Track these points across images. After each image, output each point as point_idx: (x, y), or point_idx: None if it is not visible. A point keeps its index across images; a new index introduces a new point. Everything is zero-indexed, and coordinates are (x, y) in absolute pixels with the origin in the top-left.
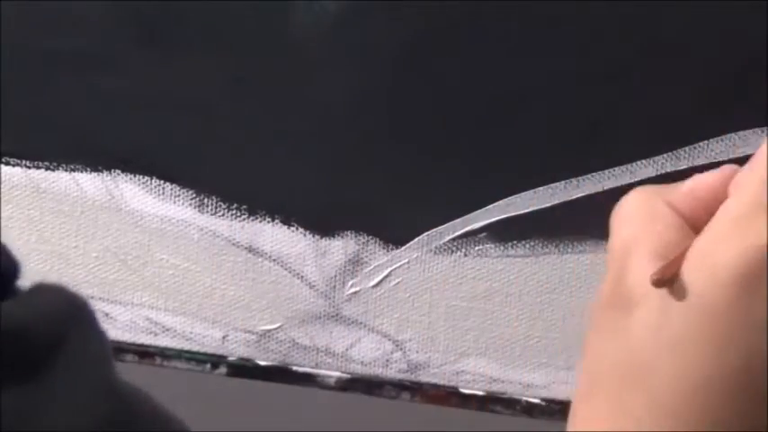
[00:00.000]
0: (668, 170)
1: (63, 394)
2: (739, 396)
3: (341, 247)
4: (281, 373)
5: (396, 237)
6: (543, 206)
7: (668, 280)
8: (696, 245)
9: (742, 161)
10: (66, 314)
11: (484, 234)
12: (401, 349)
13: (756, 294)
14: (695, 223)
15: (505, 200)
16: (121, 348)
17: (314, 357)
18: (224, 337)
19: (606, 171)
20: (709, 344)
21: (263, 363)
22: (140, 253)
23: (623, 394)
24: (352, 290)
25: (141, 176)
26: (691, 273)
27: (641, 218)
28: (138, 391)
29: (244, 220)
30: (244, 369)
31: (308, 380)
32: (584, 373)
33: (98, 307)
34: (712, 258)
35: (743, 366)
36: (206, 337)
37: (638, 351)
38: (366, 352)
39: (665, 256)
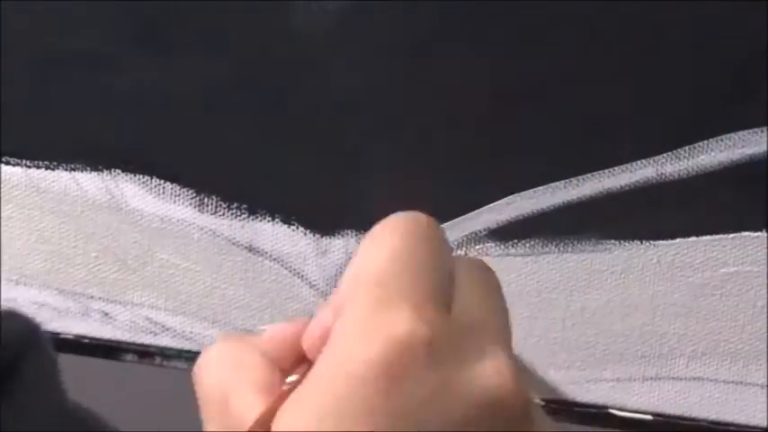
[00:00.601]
0: (668, 170)
1: (21, 414)
2: None
3: (341, 246)
4: None
5: None
6: (543, 206)
7: None
8: (318, 367)
9: (742, 161)
10: (23, 338)
11: (484, 233)
12: None
13: (393, 386)
14: (279, 363)
15: (505, 200)
16: (121, 348)
17: None
18: None
19: (606, 171)
20: None
21: None
22: (140, 252)
23: None
24: None
25: (141, 176)
26: (328, 383)
27: (229, 361)
28: (88, 411)
29: (244, 219)
30: None
31: None
32: None
33: (98, 307)
34: (346, 366)
35: None
36: (206, 337)
37: None
38: None
39: (263, 389)
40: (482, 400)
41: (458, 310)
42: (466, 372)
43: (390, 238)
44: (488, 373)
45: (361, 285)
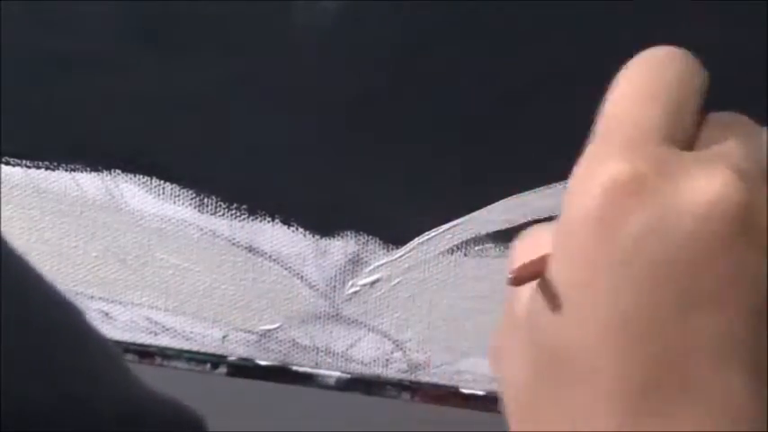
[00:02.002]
0: None
1: None
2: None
3: (341, 246)
4: (281, 373)
5: (396, 236)
6: (544, 206)
7: (528, 278)
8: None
9: None
10: None
11: (484, 234)
12: (401, 349)
13: (605, 231)
14: None
15: (505, 200)
16: (121, 348)
17: (314, 357)
18: (224, 337)
19: None
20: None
21: (263, 363)
22: (140, 253)
23: None
24: (352, 290)
25: (141, 176)
26: (557, 238)
27: None
28: None
29: (244, 219)
30: (244, 369)
31: (308, 380)
32: None
33: (98, 307)
34: (566, 220)
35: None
36: (206, 337)
37: None
38: (366, 352)
39: None
40: (693, 221)
41: (697, 143)
42: (678, 197)
43: (628, 74)
44: (695, 191)
45: (598, 124)
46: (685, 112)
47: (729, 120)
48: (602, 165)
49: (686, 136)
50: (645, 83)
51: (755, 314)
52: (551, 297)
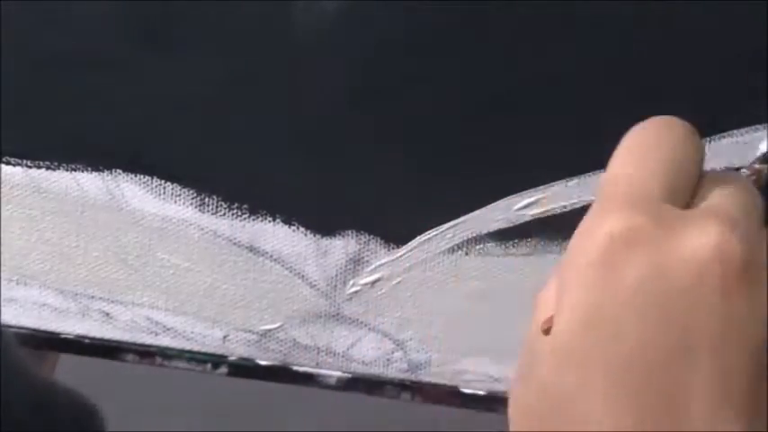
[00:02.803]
0: None
1: None
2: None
3: (342, 246)
4: (281, 373)
5: (397, 236)
6: (545, 206)
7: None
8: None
9: (742, 159)
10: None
11: (485, 233)
12: (402, 349)
13: (607, 273)
14: None
15: (505, 199)
16: (122, 348)
17: (314, 357)
18: (225, 337)
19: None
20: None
21: (263, 362)
22: (141, 252)
23: None
24: (353, 289)
25: (142, 176)
26: (564, 276)
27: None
28: None
29: (245, 219)
30: (244, 369)
31: (308, 379)
32: None
33: (98, 307)
34: (572, 260)
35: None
36: (207, 337)
37: None
38: (367, 351)
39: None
40: (692, 269)
41: (694, 202)
42: (677, 247)
43: (628, 141)
44: (693, 242)
45: (599, 187)
46: (682, 174)
47: (724, 177)
48: (604, 219)
49: (684, 196)
50: (644, 148)
51: (754, 358)
52: (555, 343)
